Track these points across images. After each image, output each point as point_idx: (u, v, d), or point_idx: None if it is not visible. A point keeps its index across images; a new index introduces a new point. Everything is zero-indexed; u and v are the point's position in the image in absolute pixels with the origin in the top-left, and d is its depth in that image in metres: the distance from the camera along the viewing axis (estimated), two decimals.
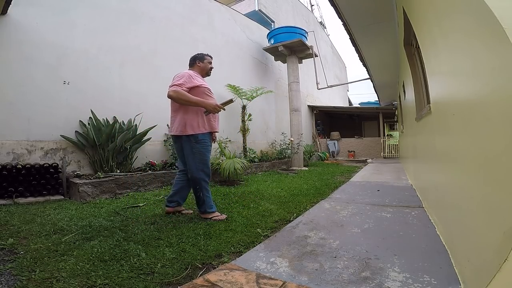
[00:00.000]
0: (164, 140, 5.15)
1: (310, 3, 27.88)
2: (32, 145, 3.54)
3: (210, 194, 2.65)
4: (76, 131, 3.95)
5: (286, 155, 8.21)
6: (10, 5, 3.26)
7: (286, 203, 3.22)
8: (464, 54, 1.31)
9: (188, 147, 2.55)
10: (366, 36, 5.17)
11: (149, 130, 4.51)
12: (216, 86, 5.05)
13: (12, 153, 3.37)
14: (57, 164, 3.55)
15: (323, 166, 8.29)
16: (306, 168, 7.60)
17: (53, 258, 1.65)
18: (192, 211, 2.81)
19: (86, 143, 3.94)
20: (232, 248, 1.90)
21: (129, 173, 3.92)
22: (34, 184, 3.30)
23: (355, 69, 54.09)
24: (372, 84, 8.82)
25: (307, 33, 8.74)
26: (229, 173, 4.42)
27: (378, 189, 4.04)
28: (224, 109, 2.68)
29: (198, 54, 2.86)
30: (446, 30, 1.58)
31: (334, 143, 12.23)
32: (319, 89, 11.18)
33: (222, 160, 4.77)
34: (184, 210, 2.81)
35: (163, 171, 4.34)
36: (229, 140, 6.22)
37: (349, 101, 20.56)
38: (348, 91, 20.54)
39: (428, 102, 2.46)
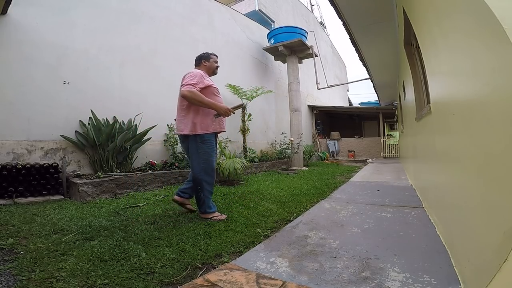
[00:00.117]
0: (164, 140, 5.15)
1: (310, 3, 27.90)
2: (32, 145, 3.54)
3: (211, 194, 2.66)
4: (76, 131, 3.95)
5: (286, 155, 8.21)
6: (10, 5, 3.25)
7: (286, 203, 3.22)
8: (464, 54, 1.31)
9: (194, 146, 2.57)
10: (366, 36, 5.17)
11: (149, 130, 4.51)
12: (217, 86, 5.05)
13: (12, 153, 3.37)
14: (57, 164, 3.55)
15: (323, 166, 8.29)
16: (306, 168, 7.60)
17: (53, 258, 1.65)
18: (195, 210, 2.77)
19: (86, 143, 3.94)
20: (232, 248, 1.90)
21: (129, 173, 3.92)
22: (34, 184, 3.30)
23: (355, 69, 54.08)
24: (372, 84, 8.83)
25: (307, 33, 8.74)
26: (229, 173, 4.43)
27: (378, 189, 4.04)
28: (234, 113, 2.70)
29: (203, 53, 2.87)
30: (446, 30, 1.58)
31: (334, 143, 12.24)
32: (319, 89, 11.18)
33: (222, 160, 4.77)
34: (189, 205, 2.81)
35: (163, 171, 4.34)
36: (229, 140, 6.21)
37: (349, 101, 20.56)
38: (348, 91, 20.55)
39: (428, 102, 2.46)
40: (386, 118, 12.15)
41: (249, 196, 3.57)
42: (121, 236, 2.05)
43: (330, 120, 15.42)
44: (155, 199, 3.36)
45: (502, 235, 0.89)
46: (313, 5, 28.50)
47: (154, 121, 4.76)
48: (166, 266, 1.60)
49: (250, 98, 6.95)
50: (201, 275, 1.52)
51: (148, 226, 2.31)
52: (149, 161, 4.60)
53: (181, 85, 2.50)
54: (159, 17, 5.37)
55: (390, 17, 4.36)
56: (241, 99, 6.81)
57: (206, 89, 2.56)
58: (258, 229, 2.27)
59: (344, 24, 4.69)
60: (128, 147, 4.19)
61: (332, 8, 4.25)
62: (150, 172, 4.18)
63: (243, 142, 6.87)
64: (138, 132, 4.42)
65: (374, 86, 9.13)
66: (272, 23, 10.46)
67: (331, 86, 11.68)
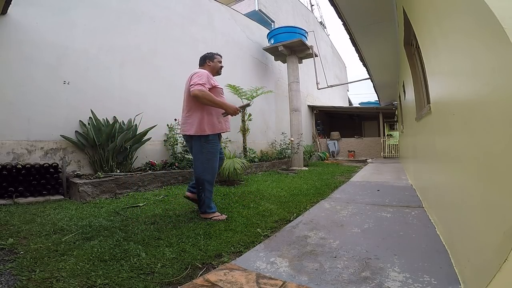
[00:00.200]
0: (164, 140, 5.15)
1: (310, 3, 27.90)
2: (32, 145, 3.54)
3: (212, 194, 2.66)
4: (76, 131, 3.95)
5: (286, 155, 8.21)
6: (10, 5, 3.25)
7: (286, 203, 3.22)
8: (464, 54, 1.31)
9: (198, 146, 2.57)
10: (366, 36, 5.17)
11: (149, 130, 4.51)
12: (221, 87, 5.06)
13: (12, 153, 3.38)
14: (57, 164, 3.55)
15: (323, 166, 8.29)
16: (306, 168, 7.60)
17: (53, 258, 1.65)
18: None
19: (86, 143, 3.94)
20: (232, 248, 1.90)
21: (129, 173, 3.92)
22: (34, 184, 3.30)
23: (355, 69, 54.10)
24: (372, 84, 8.83)
25: (307, 33, 8.73)
26: (229, 173, 4.42)
27: (378, 189, 4.04)
28: (240, 112, 2.70)
29: (208, 53, 2.88)
30: (446, 30, 1.58)
31: (334, 143, 12.24)
32: (319, 89, 11.18)
33: None
34: None
35: (163, 171, 4.34)
36: (229, 140, 6.21)
37: (349, 101, 20.56)
38: (348, 91, 20.55)
39: (428, 102, 2.46)
40: (386, 118, 12.15)
41: (249, 196, 3.57)
42: (121, 236, 2.05)
43: (330, 120, 15.42)
44: (155, 199, 3.36)
45: (502, 235, 0.89)
46: (313, 5, 28.51)
47: (154, 121, 4.76)
48: (166, 266, 1.60)
49: (250, 98, 6.94)
50: (201, 275, 1.52)
51: (148, 226, 2.31)
52: (149, 161, 4.60)
53: (190, 85, 2.49)
54: (159, 17, 5.37)
55: (390, 17, 4.36)
56: (241, 99, 6.81)
57: (212, 89, 2.57)
58: (258, 229, 2.27)
59: (344, 24, 4.69)
60: (128, 147, 4.19)
61: (332, 8, 4.25)
62: (150, 172, 4.18)
63: (243, 142, 6.87)
64: (138, 132, 4.42)
65: (374, 86, 9.13)
66: (272, 23, 10.46)
67: (331, 86, 11.68)
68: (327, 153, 11.74)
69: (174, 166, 4.72)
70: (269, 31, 8.83)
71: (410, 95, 4.17)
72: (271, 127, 8.88)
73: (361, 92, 62.44)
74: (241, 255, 1.79)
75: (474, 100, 1.20)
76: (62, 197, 3.39)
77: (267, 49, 8.55)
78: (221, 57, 2.89)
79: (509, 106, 0.85)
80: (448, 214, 1.80)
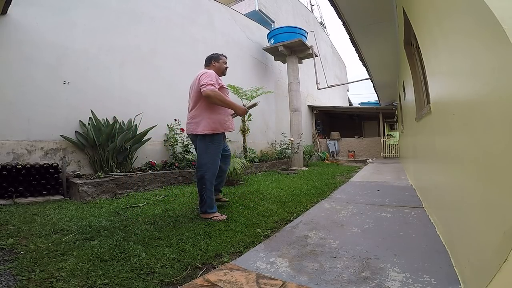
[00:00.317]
0: (164, 140, 5.15)
1: (310, 3, 27.90)
2: (32, 145, 3.54)
3: (213, 194, 2.66)
4: (76, 131, 3.95)
5: (286, 155, 8.21)
6: (10, 5, 3.25)
7: (286, 203, 3.22)
8: (464, 54, 1.31)
9: (203, 146, 2.59)
10: (366, 36, 5.17)
11: (149, 130, 4.51)
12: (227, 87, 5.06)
13: (12, 153, 3.38)
14: (57, 164, 3.55)
15: (323, 166, 8.29)
16: (306, 168, 7.60)
17: (53, 258, 1.65)
18: (227, 199, 3.11)
19: (86, 143, 3.94)
20: (232, 248, 1.90)
21: (129, 173, 3.92)
22: (34, 184, 3.30)
23: (355, 69, 54.15)
24: (372, 84, 8.83)
25: (307, 33, 8.74)
26: (229, 173, 4.42)
27: (378, 189, 4.04)
28: (247, 111, 2.77)
29: (213, 54, 2.92)
30: (446, 30, 1.58)
31: (334, 143, 12.24)
32: (319, 89, 11.18)
33: None
34: (223, 198, 3.05)
35: (163, 171, 4.34)
36: (229, 140, 6.20)
37: (349, 101, 20.57)
38: (348, 91, 20.55)
39: (428, 102, 2.46)
40: (386, 118, 12.15)
41: (249, 196, 3.57)
42: (121, 236, 2.05)
43: (330, 120, 15.42)
44: (155, 199, 3.36)
45: (502, 235, 0.89)
46: (313, 5, 28.51)
47: (154, 121, 4.76)
48: (166, 266, 1.60)
49: (250, 98, 6.94)
50: (201, 275, 1.52)
51: (148, 226, 2.31)
52: (149, 161, 4.60)
53: (201, 85, 2.49)
54: (159, 17, 5.37)
55: (390, 17, 4.36)
56: (241, 99, 6.81)
57: (220, 89, 2.59)
58: (258, 229, 2.27)
59: (344, 24, 4.69)
60: (128, 147, 4.19)
61: (332, 8, 4.25)
62: (150, 172, 4.18)
63: (243, 142, 6.87)
64: (138, 132, 4.42)
65: (374, 86, 9.13)
66: (272, 23, 10.47)
67: (331, 86, 11.68)
68: (327, 153, 11.73)
69: (174, 166, 4.72)
70: (269, 31, 8.83)
71: (410, 95, 4.17)
72: (271, 127, 8.89)
73: (361, 92, 62.59)
74: (241, 255, 1.78)
75: (474, 100, 1.20)
76: (62, 197, 3.39)
77: (267, 49, 8.55)
78: (226, 58, 2.93)
79: (509, 106, 0.85)
80: (448, 214, 1.80)
